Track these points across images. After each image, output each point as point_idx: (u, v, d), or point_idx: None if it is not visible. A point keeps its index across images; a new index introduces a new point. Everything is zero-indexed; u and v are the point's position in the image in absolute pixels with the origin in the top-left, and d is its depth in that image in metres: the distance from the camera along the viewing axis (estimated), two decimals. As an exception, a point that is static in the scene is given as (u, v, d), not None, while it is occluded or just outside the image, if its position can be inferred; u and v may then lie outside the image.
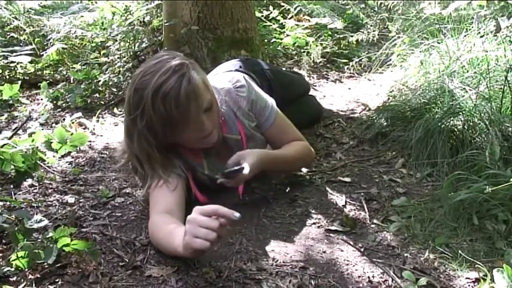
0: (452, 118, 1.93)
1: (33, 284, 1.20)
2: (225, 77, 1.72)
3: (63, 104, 2.77)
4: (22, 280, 1.21)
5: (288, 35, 3.77)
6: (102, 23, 3.42)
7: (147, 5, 3.15)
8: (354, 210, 1.63)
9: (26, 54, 3.15)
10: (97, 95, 2.86)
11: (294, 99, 2.27)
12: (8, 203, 1.57)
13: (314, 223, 1.55)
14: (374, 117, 2.30)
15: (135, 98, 1.46)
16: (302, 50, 3.57)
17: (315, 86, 3.14)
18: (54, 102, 2.79)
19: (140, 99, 1.44)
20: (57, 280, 1.23)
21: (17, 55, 3.12)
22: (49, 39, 3.41)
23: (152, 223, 1.41)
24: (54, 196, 1.71)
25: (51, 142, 1.96)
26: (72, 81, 2.94)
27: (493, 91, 1.93)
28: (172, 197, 1.47)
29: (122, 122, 2.56)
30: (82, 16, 3.63)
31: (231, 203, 1.62)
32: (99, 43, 3.40)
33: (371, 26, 3.65)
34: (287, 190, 1.75)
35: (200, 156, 1.63)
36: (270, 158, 1.65)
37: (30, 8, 3.86)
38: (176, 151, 1.59)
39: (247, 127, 1.69)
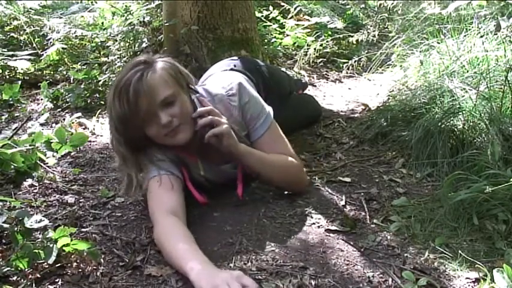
0: (452, 118, 1.93)
1: (33, 284, 1.20)
2: (221, 82, 1.69)
3: (63, 104, 2.77)
4: (22, 280, 1.21)
5: (288, 35, 3.77)
6: (102, 23, 3.42)
7: (147, 5, 3.15)
8: (354, 210, 1.63)
9: (25, 59, 3.15)
10: (97, 95, 2.85)
11: (289, 94, 2.25)
12: (8, 203, 1.56)
13: (314, 223, 1.55)
14: (374, 117, 2.30)
15: (108, 94, 1.54)
16: (299, 50, 3.57)
17: (315, 86, 3.14)
18: (54, 102, 2.79)
19: (109, 95, 1.52)
20: (57, 280, 1.23)
21: (17, 59, 3.12)
22: (49, 39, 3.41)
23: (161, 230, 1.37)
24: (54, 196, 1.71)
25: (51, 142, 1.96)
26: (72, 81, 2.94)
27: (493, 91, 1.93)
28: (174, 197, 1.47)
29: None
30: (82, 16, 3.63)
31: (231, 203, 1.63)
32: (99, 43, 3.40)
33: (371, 26, 3.65)
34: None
35: (194, 156, 1.62)
36: (256, 153, 1.60)
37: (30, 8, 3.87)
38: (168, 149, 1.56)
39: (239, 134, 1.64)
